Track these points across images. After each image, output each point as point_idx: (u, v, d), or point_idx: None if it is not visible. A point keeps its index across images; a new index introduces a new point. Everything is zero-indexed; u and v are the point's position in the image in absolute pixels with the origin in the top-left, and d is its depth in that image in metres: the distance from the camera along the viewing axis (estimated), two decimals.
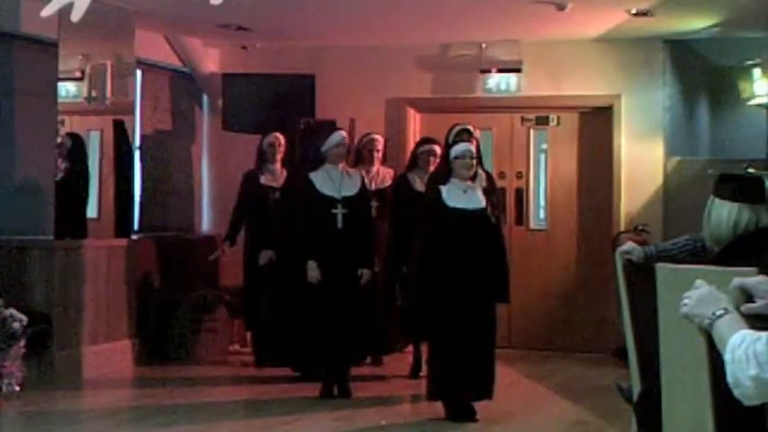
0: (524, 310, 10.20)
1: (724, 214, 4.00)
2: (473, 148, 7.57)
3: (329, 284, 7.82)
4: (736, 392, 2.49)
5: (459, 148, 7.48)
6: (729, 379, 2.49)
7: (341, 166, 8.11)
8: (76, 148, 9.21)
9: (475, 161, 7.50)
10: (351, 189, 8.04)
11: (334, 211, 7.91)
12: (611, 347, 9.46)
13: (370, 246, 8.10)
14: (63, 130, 9.05)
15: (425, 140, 9.15)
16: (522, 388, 8.56)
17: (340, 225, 7.91)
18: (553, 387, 8.54)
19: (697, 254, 4.31)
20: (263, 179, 9.36)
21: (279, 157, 9.43)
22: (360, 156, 9.36)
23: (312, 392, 8.00)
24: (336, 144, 8.05)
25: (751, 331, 2.51)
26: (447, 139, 8.29)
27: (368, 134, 9.54)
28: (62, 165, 9.00)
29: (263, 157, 9.42)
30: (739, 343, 2.49)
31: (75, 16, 6.66)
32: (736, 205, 3.97)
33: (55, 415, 7.40)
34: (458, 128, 8.39)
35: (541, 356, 10.08)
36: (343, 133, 8.26)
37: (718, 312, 2.61)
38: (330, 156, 8.03)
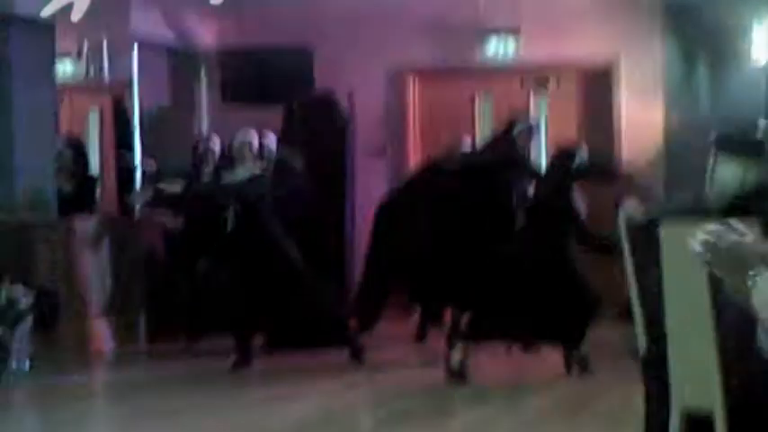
0: None
1: (729, 171, 3.94)
2: None
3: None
4: None
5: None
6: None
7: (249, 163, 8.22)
8: (79, 157, 9.31)
9: None
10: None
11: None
12: (618, 307, 9.46)
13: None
14: (62, 116, 9.07)
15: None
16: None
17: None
18: None
19: (699, 211, 4.30)
20: None
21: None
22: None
23: (323, 361, 8.07)
24: (240, 142, 8.21)
25: None
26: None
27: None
28: (68, 179, 9.10)
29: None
30: None
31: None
32: (741, 161, 3.91)
33: (65, 390, 7.44)
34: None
35: None
36: (248, 132, 8.30)
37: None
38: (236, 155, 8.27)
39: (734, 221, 2.59)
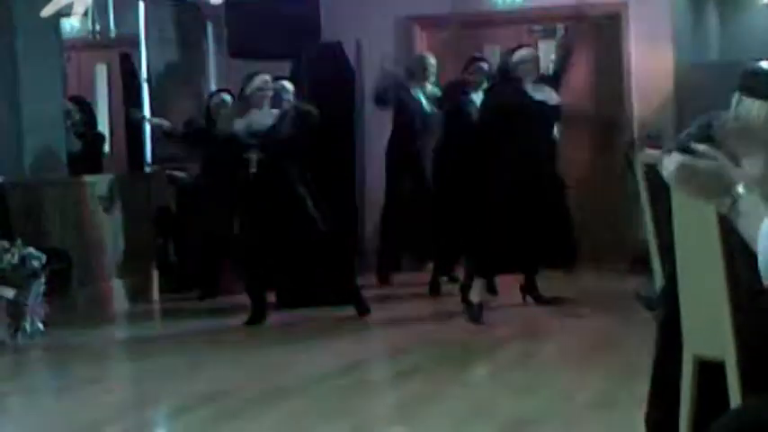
0: None
1: (754, 112, 3.84)
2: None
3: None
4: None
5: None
6: (763, 271, 2.42)
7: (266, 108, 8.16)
8: (87, 115, 9.30)
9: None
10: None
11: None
12: (629, 261, 9.45)
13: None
14: (68, 70, 9.02)
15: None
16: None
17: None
18: (573, 296, 8.54)
19: (711, 139, 4.22)
20: None
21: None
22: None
23: (337, 316, 8.10)
24: (259, 87, 8.10)
25: None
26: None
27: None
28: (76, 137, 9.12)
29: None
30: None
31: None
32: (764, 101, 3.81)
33: (79, 351, 7.47)
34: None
35: None
36: (265, 77, 8.22)
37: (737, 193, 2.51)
38: (253, 99, 8.11)
39: (701, 147, 2.61)
